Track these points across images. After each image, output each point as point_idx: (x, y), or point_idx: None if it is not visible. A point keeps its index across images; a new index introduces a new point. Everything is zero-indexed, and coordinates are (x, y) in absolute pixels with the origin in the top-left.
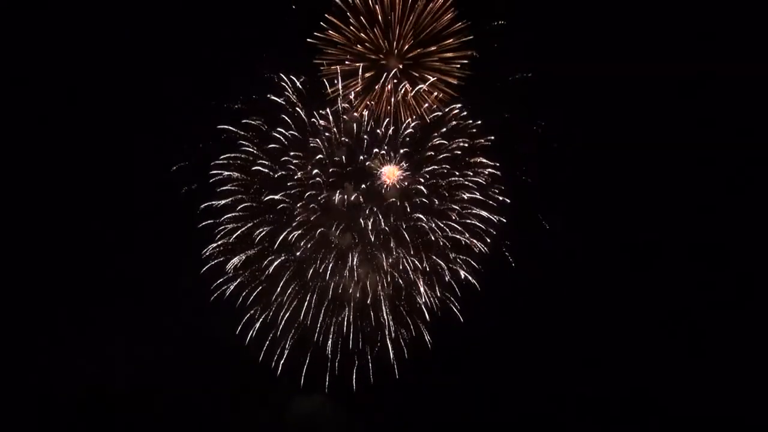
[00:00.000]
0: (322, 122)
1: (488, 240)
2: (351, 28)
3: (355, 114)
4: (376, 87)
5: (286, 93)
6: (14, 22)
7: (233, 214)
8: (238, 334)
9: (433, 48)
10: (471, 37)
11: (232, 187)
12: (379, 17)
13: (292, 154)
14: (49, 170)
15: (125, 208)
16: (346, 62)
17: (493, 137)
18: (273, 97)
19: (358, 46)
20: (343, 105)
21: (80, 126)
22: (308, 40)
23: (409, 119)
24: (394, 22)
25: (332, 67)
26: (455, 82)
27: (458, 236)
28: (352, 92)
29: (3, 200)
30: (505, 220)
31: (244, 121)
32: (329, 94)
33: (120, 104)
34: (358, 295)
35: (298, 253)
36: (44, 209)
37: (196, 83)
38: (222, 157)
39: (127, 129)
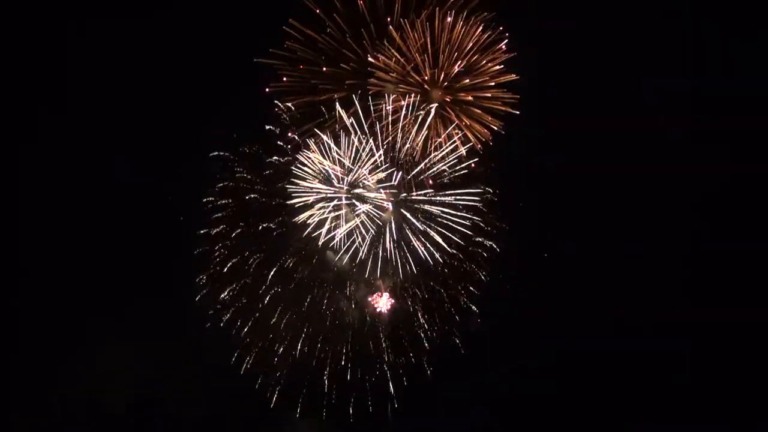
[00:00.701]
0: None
1: (488, 267)
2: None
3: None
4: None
5: (283, 119)
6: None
7: (228, 241)
8: (234, 362)
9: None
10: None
11: (228, 213)
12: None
13: (287, 180)
14: (43, 191)
15: (122, 233)
16: (319, 90)
17: (493, 164)
18: (269, 125)
19: (342, 65)
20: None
21: (78, 138)
22: (256, 59)
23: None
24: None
25: (292, 102)
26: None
27: (457, 263)
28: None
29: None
30: (504, 247)
31: (241, 149)
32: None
33: (116, 125)
34: (356, 322)
35: (294, 283)
36: (44, 230)
37: (191, 106)
38: (218, 186)
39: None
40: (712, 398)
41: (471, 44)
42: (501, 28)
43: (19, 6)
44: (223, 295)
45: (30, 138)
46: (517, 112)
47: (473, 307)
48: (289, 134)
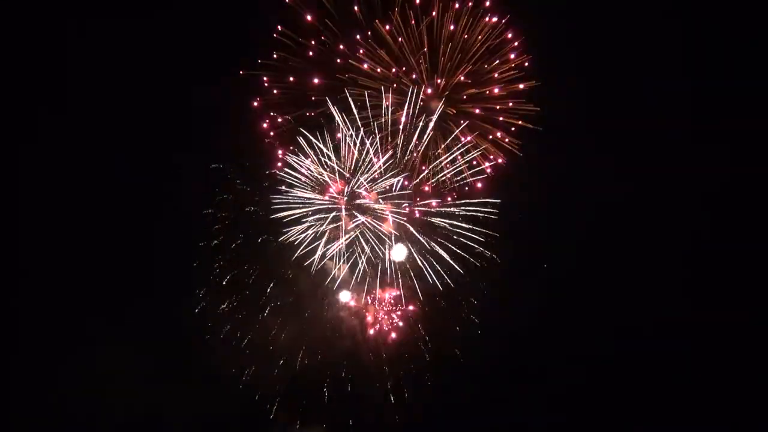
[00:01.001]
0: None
1: (488, 278)
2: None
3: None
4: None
5: (282, 131)
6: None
7: (228, 253)
8: (233, 374)
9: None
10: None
11: (227, 225)
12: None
13: (285, 191)
14: (43, 191)
15: (122, 233)
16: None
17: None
18: (268, 137)
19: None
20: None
21: (78, 138)
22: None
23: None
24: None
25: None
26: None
27: (457, 274)
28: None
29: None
30: (505, 253)
31: (240, 161)
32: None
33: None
34: (356, 334)
35: (293, 295)
36: (44, 230)
37: (192, 105)
38: (217, 198)
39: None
40: (712, 398)
41: (477, 47)
42: (510, 35)
43: (19, 6)
44: (222, 307)
45: (30, 138)
46: (540, 129)
47: (474, 318)
48: (281, 152)
